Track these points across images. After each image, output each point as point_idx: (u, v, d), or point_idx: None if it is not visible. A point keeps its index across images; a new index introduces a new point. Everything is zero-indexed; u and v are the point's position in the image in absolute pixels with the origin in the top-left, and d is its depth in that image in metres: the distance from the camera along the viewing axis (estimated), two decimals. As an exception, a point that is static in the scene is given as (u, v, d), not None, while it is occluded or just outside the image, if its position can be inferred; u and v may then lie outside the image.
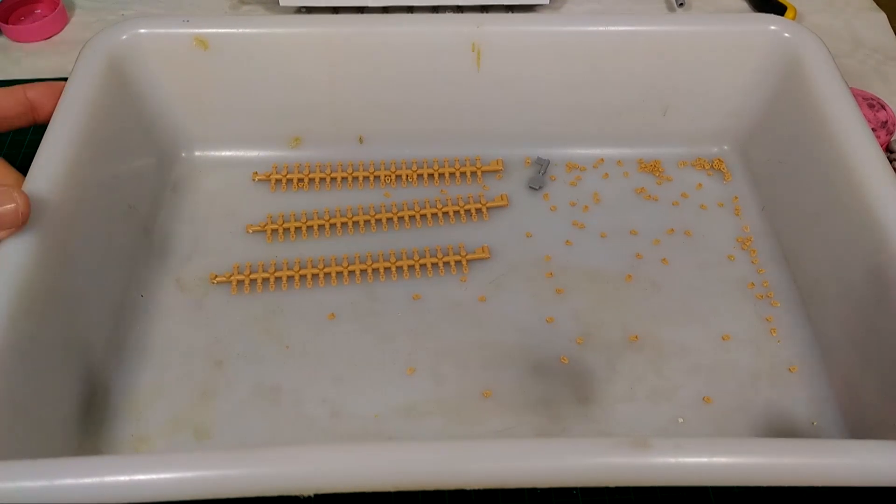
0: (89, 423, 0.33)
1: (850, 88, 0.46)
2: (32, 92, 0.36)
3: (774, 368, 0.36)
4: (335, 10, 0.50)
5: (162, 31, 0.39)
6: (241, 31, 0.39)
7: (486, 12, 0.51)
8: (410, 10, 0.52)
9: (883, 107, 0.45)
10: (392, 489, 0.24)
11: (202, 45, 0.39)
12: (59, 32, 0.53)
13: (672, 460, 0.25)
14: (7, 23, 0.52)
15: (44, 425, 0.30)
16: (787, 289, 0.39)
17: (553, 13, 0.52)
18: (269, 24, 0.40)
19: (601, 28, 0.40)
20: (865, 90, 0.46)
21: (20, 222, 0.30)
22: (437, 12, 0.51)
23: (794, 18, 0.52)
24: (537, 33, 0.40)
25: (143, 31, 0.38)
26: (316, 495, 0.24)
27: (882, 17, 0.55)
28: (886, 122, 0.44)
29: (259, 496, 0.24)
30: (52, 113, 0.35)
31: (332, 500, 0.32)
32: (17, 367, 0.29)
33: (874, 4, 0.56)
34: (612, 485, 0.25)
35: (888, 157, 0.43)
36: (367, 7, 0.51)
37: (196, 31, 0.39)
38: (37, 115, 0.36)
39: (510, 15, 0.41)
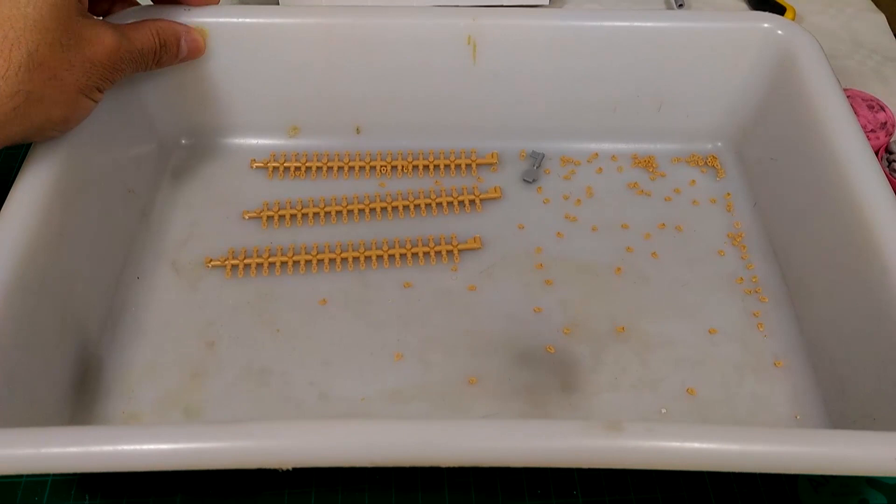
0: (81, 399, 0.34)
1: (850, 89, 0.46)
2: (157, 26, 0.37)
3: (760, 362, 0.36)
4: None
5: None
6: (241, 20, 0.40)
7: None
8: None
9: (882, 108, 0.45)
10: (367, 465, 0.25)
11: (202, 34, 0.40)
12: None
13: (645, 443, 0.25)
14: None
15: (37, 399, 0.31)
16: (776, 284, 0.39)
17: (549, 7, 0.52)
18: (269, 14, 0.41)
19: (597, 23, 0.41)
20: (864, 91, 0.47)
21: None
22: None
23: (793, 19, 0.52)
24: (533, 27, 0.41)
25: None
26: (294, 469, 0.25)
27: (881, 18, 0.55)
28: (886, 122, 0.44)
29: (238, 468, 0.25)
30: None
31: (321, 475, 0.33)
32: (13, 340, 0.30)
33: (873, 6, 0.56)
34: (585, 466, 0.25)
35: (888, 158, 0.44)
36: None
37: (196, 20, 0.39)
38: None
39: (506, 9, 0.42)
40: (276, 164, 0.43)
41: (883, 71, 0.51)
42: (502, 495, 0.33)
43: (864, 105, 0.45)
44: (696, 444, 0.25)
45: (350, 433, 0.25)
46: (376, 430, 0.25)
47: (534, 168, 0.44)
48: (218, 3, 0.40)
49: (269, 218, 0.41)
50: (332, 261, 0.39)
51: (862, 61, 0.52)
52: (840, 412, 0.34)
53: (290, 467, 0.25)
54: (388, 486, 0.33)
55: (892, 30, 0.54)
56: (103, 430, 0.26)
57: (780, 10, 0.52)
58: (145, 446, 0.25)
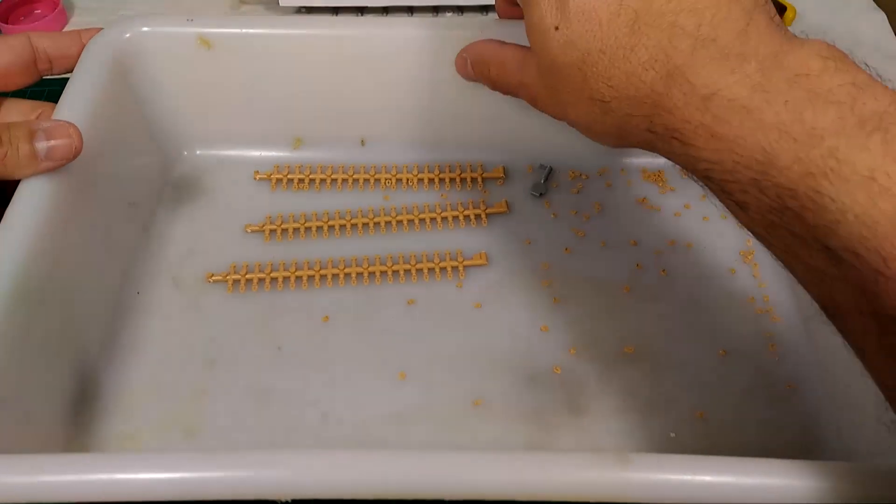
0: (79, 418, 0.33)
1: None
2: (43, 41, 0.35)
3: (772, 386, 0.35)
4: (335, 10, 0.50)
5: (165, 29, 0.39)
6: (244, 31, 0.39)
7: (487, 12, 0.51)
8: (411, 10, 0.51)
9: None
10: (368, 497, 0.24)
11: (206, 44, 0.39)
12: (58, 33, 0.53)
13: (654, 477, 0.24)
14: (7, 23, 0.52)
15: (32, 419, 0.30)
16: (788, 305, 0.38)
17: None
18: (273, 24, 0.40)
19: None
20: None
21: (73, 155, 0.32)
22: (438, 13, 0.51)
23: (793, 18, 0.52)
24: (541, 39, 0.40)
25: (146, 29, 0.39)
26: (293, 501, 0.24)
27: (882, 16, 0.54)
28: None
29: (235, 499, 0.24)
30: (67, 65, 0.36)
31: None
32: (9, 359, 0.29)
33: (874, 4, 0.55)
34: (593, 500, 0.24)
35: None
36: (367, 7, 0.51)
37: (199, 30, 0.39)
38: (47, 67, 0.36)
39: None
40: (279, 177, 0.43)
41: (883, 69, 0.50)
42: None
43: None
44: (708, 478, 0.24)
45: (351, 463, 0.24)
46: (378, 461, 0.24)
47: (541, 182, 0.43)
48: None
49: (272, 232, 0.40)
50: (335, 276, 0.39)
51: (862, 60, 0.51)
52: (855, 438, 0.33)
53: (288, 499, 0.24)
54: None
55: (893, 28, 0.53)
56: (97, 457, 0.26)
57: (781, 9, 0.52)
58: (140, 475, 0.24)
